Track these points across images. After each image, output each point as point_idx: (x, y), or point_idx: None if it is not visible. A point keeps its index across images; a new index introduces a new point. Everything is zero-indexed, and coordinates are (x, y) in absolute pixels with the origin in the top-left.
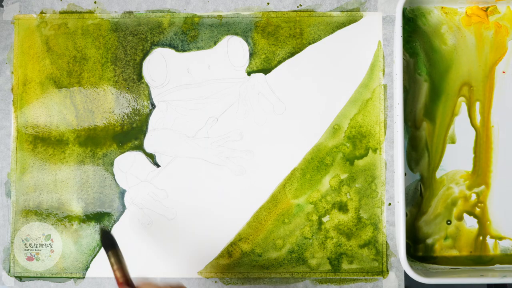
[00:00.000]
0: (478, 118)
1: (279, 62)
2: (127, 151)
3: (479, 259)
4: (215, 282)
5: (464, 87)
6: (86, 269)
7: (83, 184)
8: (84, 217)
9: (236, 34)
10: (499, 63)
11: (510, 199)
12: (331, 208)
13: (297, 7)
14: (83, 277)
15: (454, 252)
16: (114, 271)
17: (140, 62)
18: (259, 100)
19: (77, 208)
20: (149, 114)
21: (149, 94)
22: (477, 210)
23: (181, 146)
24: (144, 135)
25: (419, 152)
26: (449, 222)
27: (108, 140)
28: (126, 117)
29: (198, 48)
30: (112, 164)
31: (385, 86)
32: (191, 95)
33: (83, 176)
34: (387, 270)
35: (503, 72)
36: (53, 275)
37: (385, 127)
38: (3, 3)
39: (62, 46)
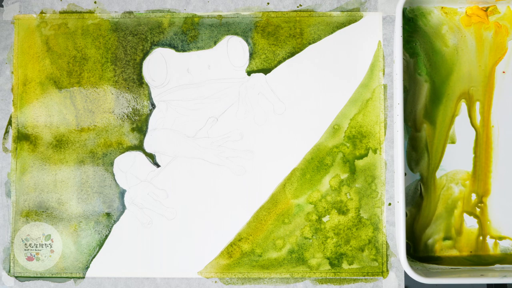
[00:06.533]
0: (478, 118)
1: (279, 62)
2: (127, 151)
3: (479, 259)
4: (215, 282)
5: (465, 87)
6: (86, 269)
7: (83, 184)
8: (84, 217)
9: (236, 34)
10: (499, 63)
11: (510, 199)
12: (331, 208)
13: (297, 7)
14: (83, 277)
15: (454, 252)
16: None
17: (140, 62)
18: (259, 100)
19: (77, 208)
20: (149, 114)
21: (149, 94)
22: (477, 210)
23: (181, 146)
24: (144, 135)
25: (419, 152)
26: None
27: (108, 140)
28: (126, 117)
29: (198, 48)
30: (112, 164)
31: (385, 86)
32: (191, 95)
33: (83, 176)
34: (387, 270)
35: (503, 72)
36: (53, 275)
37: (385, 127)
38: (3, 3)
39: (62, 46)
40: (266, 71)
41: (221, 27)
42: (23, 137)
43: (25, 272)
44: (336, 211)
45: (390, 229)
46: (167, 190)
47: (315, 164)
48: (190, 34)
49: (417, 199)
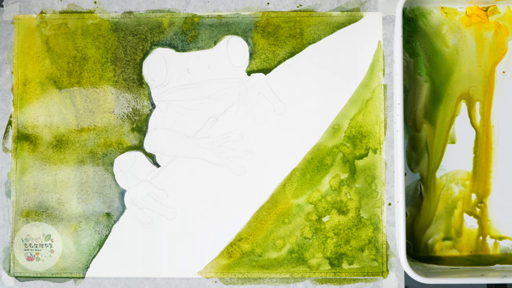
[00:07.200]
0: (478, 118)
1: (279, 62)
2: (127, 151)
3: (479, 259)
4: (215, 282)
5: (465, 87)
6: (86, 269)
7: (83, 184)
8: (84, 217)
9: (236, 34)
10: (499, 63)
11: (510, 199)
12: (331, 208)
13: (297, 7)
14: (83, 277)
15: (454, 252)
16: None
17: (140, 62)
18: (259, 100)
19: (77, 208)
20: (149, 114)
21: (149, 94)
22: (477, 210)
23: (181, 146)
24: (144, 135)
25: (419, 152)
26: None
27: (108, 140)
28: (126, 117)
29: (198, 48)
30: (112, 164)
31: (385, 86)
32: (191, 95)
33: (83, 176)
34: (387, 270)
35: (503, 72)
36: (53, 275)
37: (385, 127)
38: (3, 3)
39: (62, 46)
40: (266, 71)
41: (221, 27)
42: (23, 137)
43: (25, 272)
44: (336, 211)
45: (390, 229)
46: (167, 190)
47: (315, 164)
48: (190, 34)
49: (417, 199)
